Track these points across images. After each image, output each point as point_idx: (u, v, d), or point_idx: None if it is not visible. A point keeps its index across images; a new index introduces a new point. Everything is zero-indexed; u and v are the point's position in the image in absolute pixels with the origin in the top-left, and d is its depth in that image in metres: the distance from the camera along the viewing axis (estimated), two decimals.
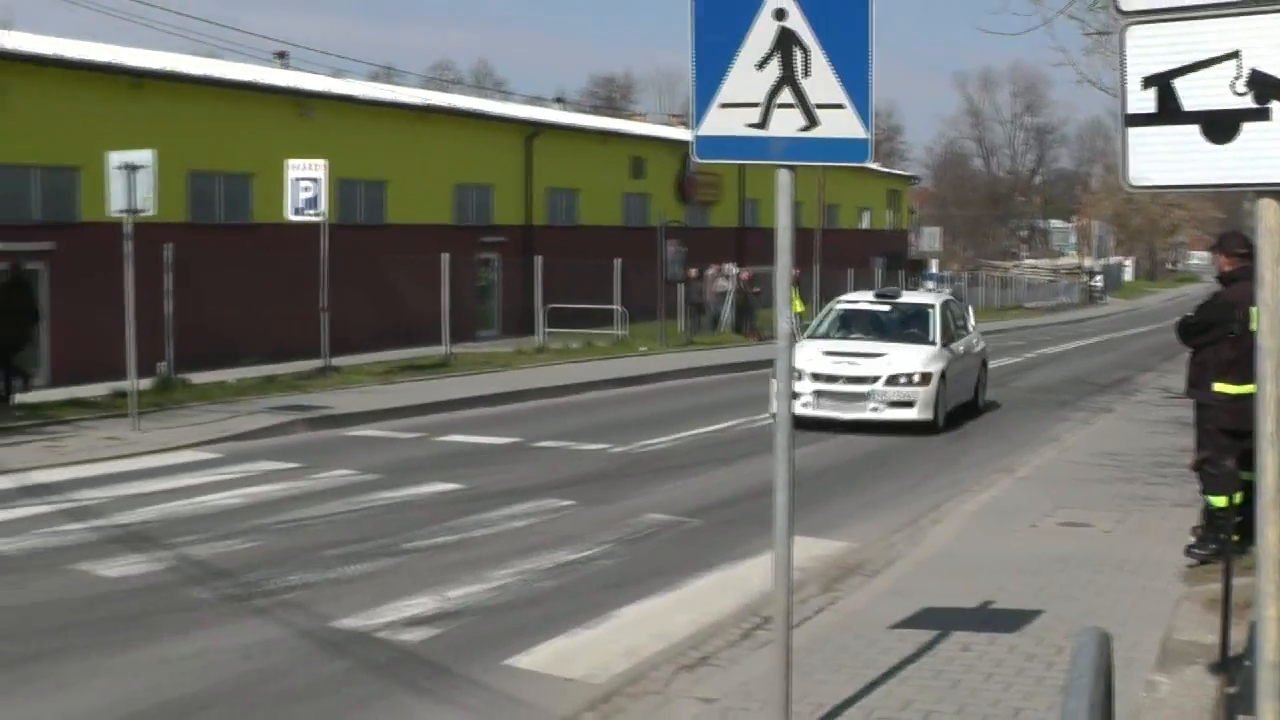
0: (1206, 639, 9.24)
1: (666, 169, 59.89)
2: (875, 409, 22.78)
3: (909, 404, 22.79)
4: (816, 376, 23.01)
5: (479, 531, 14.38)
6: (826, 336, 25.28)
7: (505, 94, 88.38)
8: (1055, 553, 12.65)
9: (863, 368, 23.13)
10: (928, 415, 22.89)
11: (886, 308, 26.21)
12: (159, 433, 21.28)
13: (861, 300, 27.41)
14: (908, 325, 25.21)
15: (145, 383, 23.55)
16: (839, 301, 27.57)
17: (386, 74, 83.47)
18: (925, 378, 23.03)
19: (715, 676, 9.11)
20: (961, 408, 25.12)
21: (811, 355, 23.43)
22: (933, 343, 24.26)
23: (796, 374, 21.65)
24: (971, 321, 28.12)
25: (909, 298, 27.19)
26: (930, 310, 25.51)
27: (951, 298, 29.00)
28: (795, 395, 21.31)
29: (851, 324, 25.77)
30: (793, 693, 7.66)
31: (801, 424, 20.23)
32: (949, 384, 23.84)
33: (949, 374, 23.81)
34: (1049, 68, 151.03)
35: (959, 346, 25.30)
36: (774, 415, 22.83)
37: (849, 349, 24.11)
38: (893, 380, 22.90)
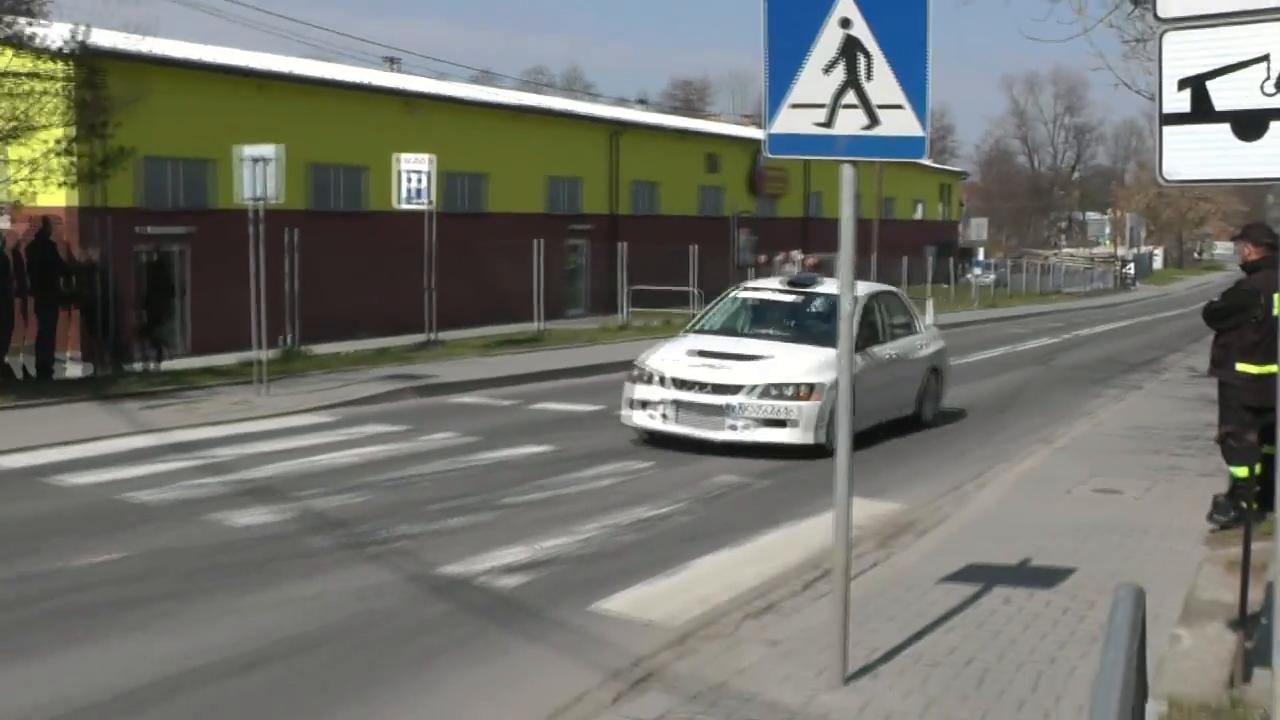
0: (1226, 598, 9.16)
1: (738, 164, 59.71)
2: (738, 426, 16.53)
3: (783, 423, 16.50)
4: (676, 383, 17.01)
5: (567, 489, 14.42)
6: (715, 331, 18.87)
7: (593, 96, 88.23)
8: (1089, 517, 12.56)
9: (729, 374, 16.83)
10: (809, 438, 16.51)
11: (794, 299, 19.34)
12: (283, 398, 21.43)
13: (766, 289, 20.28)
14: (816, 323, 18.46)
15: (271, 353, 23.67)
16: (741, 288, 20.86)
17: (486, 77, 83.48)
18: (811, 390, 16.62)
19: (780, 622, 9.11)
20: (895, 424, 19.00)
21: (673, 356, 17.64)
22: (824, 344, 16.98)
23: (648, 377, 17.39)
24: (925, 320, 22.07)
25: (827, 288, 19.10)
26: (860, 300, 17.87)
27: (889, 290, 21.34)
28: (644, 404, 17.28)
29: (749, 318, 19.38)
30: (849, 638, 7.72)
31: (661, 441, 17.19)
32: (864, 397, 16.32)
33: (862, 385, 17.38)
34: (1089, 72, 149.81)
35: (887, 351, 18.82)
36: (629, 424, 17.32)
37: (723, 349, 17.64)
38: (766, 391, 16.63)
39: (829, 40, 7.27)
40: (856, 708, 7.30)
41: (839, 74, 7.27)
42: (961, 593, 9.65)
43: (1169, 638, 8.43)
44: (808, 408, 16.62)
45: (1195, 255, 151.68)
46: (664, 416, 16.99)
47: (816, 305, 19.04)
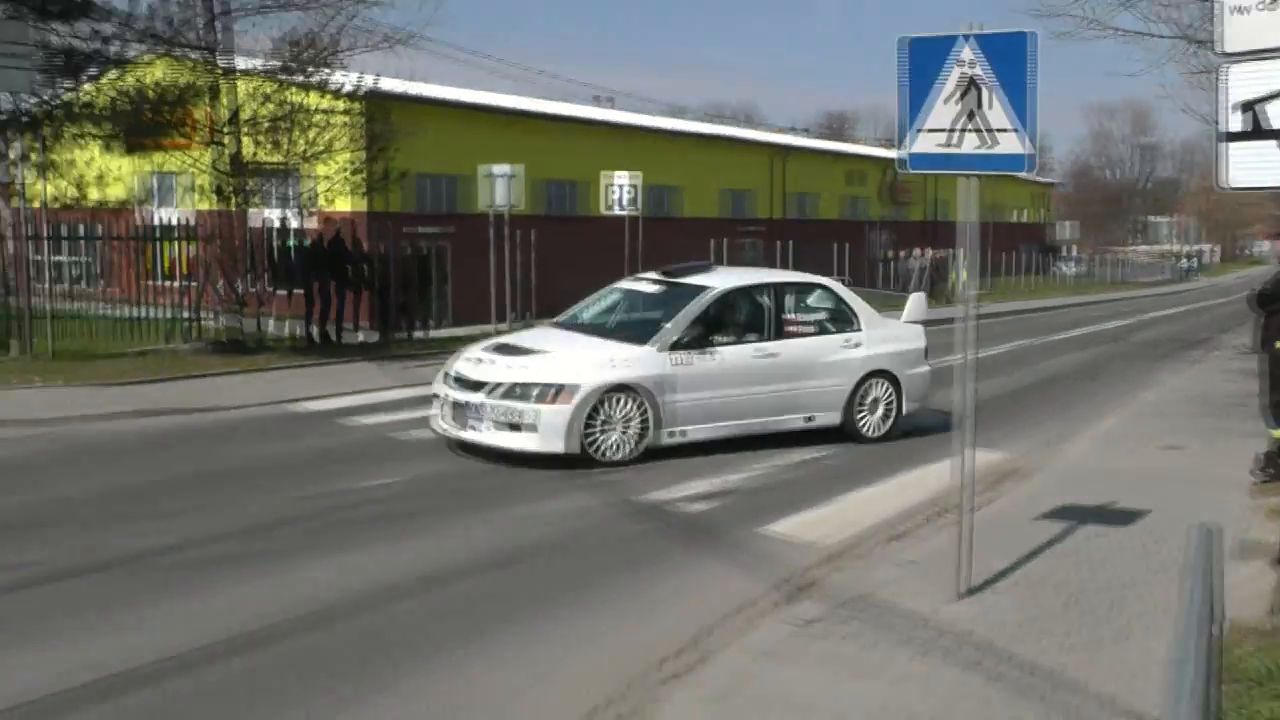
0: (1269, 539, 8.83)
1: (876, 178, 58.94)
2: (479, 427, 12.27)
3: (518, 426, 12.02)
4: (451, 379, 12.95)
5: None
6: (566, 324, 14.48)
7: (764, 126, 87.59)
8: (1156, 469, 12.12)
9: (482, 371, 12.64)
10: (550, 446, 11.93)
11: (654, 290, 14.29)
12: None
13: (643, 279, 15.18)
14: (648, 317, 13.61)
15: (513, 325, 23.90)
16: (629, 279, 15.97)
17: (677, 111, 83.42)
18: (558, 393, 12.03)
19: (911, 547, 8.97)
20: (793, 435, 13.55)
21: (471, 352, 13.52)
22: (650, 343, 12.71)
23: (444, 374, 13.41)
24: (901, 317, 15.23)
25: (696, 279, 13.94)
26: (698, 296, 13.33)
27: (812, 283, 14.86)
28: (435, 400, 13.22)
29: (602, 310, 14.64)
30: (966, 561, 7.57)
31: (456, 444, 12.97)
32: (672, 406, 12.55)
33: (663, 393, 12.46)
34: (1157, 99, 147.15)
35: (765, 349, 13.33)
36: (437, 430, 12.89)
37: (522, 344, 13.43)
38: (510, 391, 12.18)
39: (953, 77, 7.12)
40: (972, 617, 7.17)
41: (963, 105, 7.09)
42: (1055, 528, 9.39)
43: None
44: (549, 412, 11.98)
45: (1243, 252, 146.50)
46: (441, 414, 12.97)
47: (665, 298, 13.81)
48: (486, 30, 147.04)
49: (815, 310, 14.36)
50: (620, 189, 29.44)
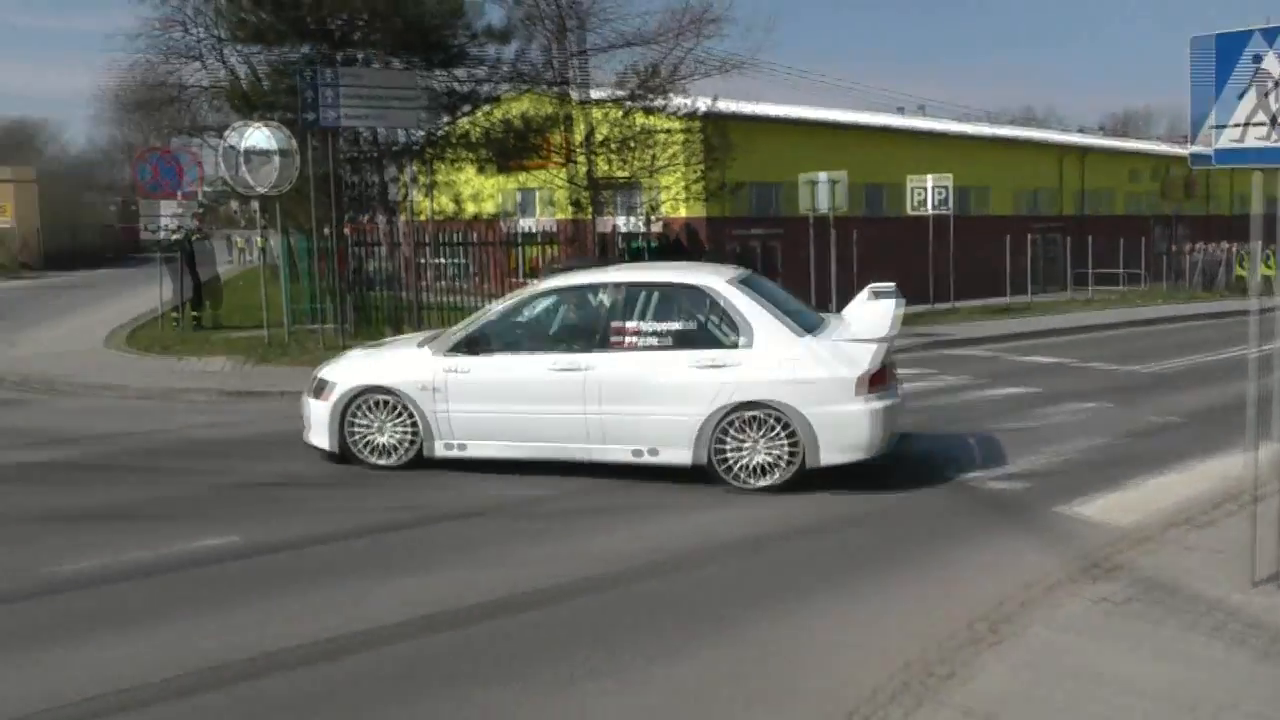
0: None
1: (1161, 174, 55.29)
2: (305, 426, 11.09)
3: (304, 422, 10.97)
4: None
5: (1046, 421, 13.61)
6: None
7: (1056, 127, 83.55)
8: None
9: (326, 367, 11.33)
10: (320, 441, 10.64)
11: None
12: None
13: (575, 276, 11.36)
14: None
15: None
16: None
17: (977, 116, 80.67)
18: (321, 390, 10.71)
19: (1208, 533, 8.32)
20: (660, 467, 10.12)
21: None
22: (429, 345, 10.68)
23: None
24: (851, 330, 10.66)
25: (552, 279, 11.54)
26: (513, 297, 11.07)
27: (654, 282, 10.28)
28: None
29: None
30: (1261, 550, 7.04)
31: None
32: (445, 416, 10.27)
33: (433, 401, 10.27)
34: None
35: (568, 362, 9.96)
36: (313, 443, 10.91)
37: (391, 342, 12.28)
38: (310, 386, 11.04)
39: (1243, 72, 6.56)
40: (1266, 606, 6.65)
41: (1252, 99, 6.55)
42: None
43: None
44: (314, 408, 10.72)
45: None
46: None
47: (537, 296, 10.82)
48: (809, 51, 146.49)
49: (680, 318, 10.10)
50: (927, 190, 28.94)
